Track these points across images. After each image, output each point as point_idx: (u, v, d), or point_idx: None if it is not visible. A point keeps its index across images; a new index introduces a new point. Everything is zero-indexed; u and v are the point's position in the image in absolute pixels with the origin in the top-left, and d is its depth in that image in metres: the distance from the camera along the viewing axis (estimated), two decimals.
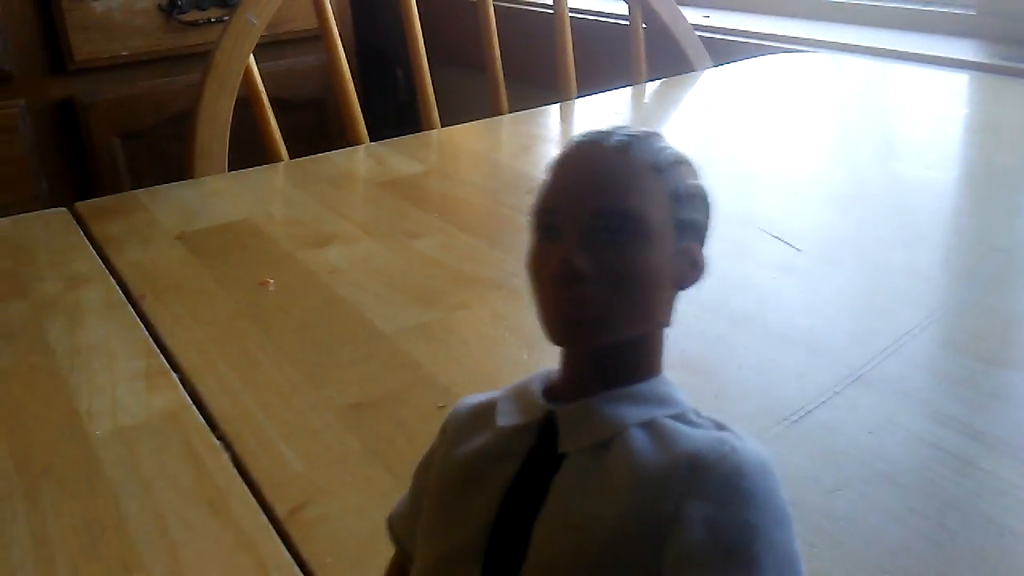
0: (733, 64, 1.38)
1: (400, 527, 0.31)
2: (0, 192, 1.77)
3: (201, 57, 1.07)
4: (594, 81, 1.34)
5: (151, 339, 0.64)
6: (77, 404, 0.57)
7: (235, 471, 0.49)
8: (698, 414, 0.27)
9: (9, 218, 0.88)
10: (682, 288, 0.27)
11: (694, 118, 1.16)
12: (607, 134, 0.27)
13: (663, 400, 0.26)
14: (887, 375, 0.56)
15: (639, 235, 0.25)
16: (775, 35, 1.48)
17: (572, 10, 1.40)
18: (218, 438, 0.52)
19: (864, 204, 0.84)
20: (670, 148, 0.27)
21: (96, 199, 0.93)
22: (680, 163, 0.27)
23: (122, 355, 0.62)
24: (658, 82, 1.31)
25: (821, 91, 1.24)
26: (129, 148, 1.91)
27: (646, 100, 1.25)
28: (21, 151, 1.82)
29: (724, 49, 1.48)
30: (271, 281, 0.72)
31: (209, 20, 1.90)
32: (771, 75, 1.32)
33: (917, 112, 1.11)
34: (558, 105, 1.25)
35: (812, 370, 0.57)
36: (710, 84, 1.31)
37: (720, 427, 0.26)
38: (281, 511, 0.46)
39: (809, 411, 0.53)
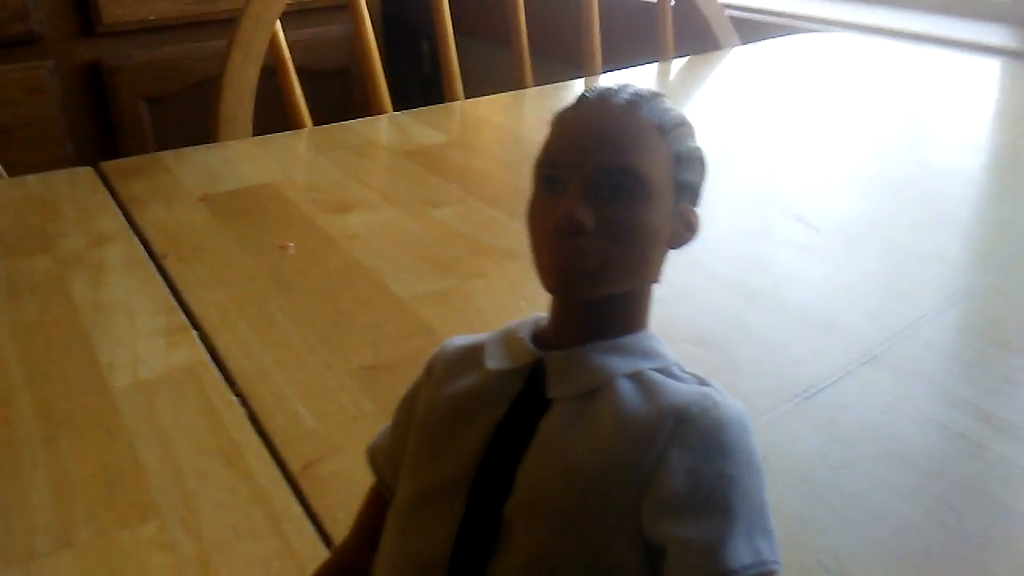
0: (760, 43, 1.36)
1: (381, 459, 0.31)
2: (26, 152, 1.79)
3: (229, 24, 1.07)
4: (620, 59, 1.33)
5: (172, 297, 0.65)
6: (98, 357, 0.58)
7: (251, 426, 0.50)
8: (681, 368, 0.28)
9: (36, 175, 0.89)
10: (675, 247, 0.28)
11: (720, 96, 1.16)
12: (615, 91, 0.27)
13: (649, 353, 0.27)
14: (901, 356, 0.56)
15: (641, 194, 0.26)
16: (805, 16, 1.47)
17: None
18: (235, 394, 0.53)
19: (887, 187, 0.84)
20: (675, 110, 0.28)
21: (121, 159, 0.94)
22: (683, 125, 0.28)
23: (144, 311, 0.63)
24: (684, 59, 1.30)
25: (848, 72, 1.23)
26: (155, 112, 1.93)
27: (672, 77, 1.24)
28: (48, 112, 1.84)
29: (753, 29, 1.46)
30: (291, 244, 0.73)
31: None
32: (798, 55, 1.30)
33: (945, 96, 1.10)
34: (583, 80, 1.24)
35: (826, 349, 0.57)
36: (737, 63, 1.30)
37: (702, 382, 0.27)
38: (294, 466, 0.47)
39: (821, 389, 0.53)
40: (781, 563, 0.25)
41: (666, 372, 0.27)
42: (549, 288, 0.27)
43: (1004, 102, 1.10)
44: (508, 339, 0.29)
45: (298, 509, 0.44)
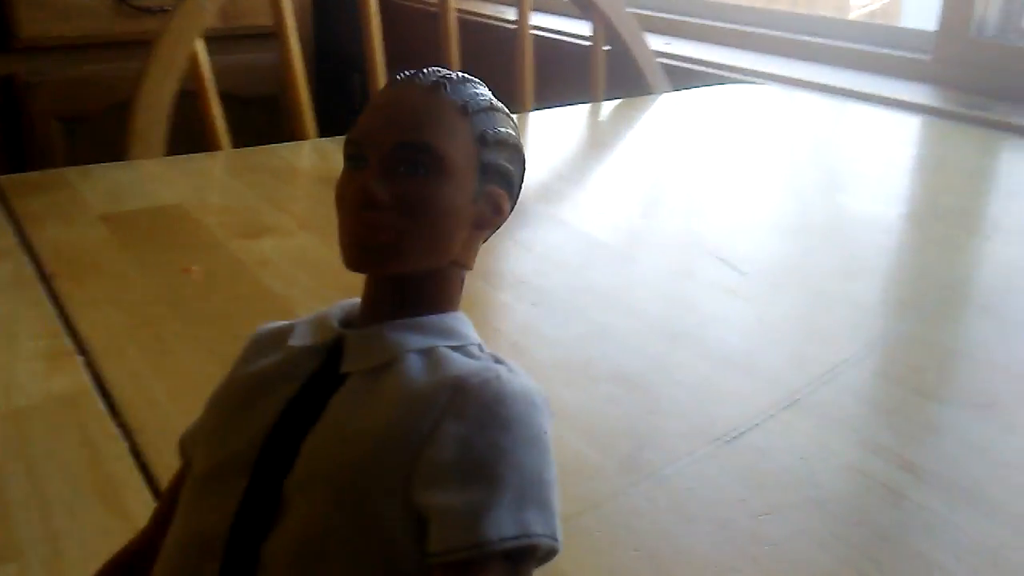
0: (690, 90, 1.38)
1: (188, 442, 0.30)
2: None
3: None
4: (552, 100, 1.33)
5: (59, 319, 0.60)
6: None
7: (133, 460, 0.46)
8: (482, 349, 0.27)
9: None
10: (482, 229, 0.28)
11: (649, 139, 1.16)
12: (423, 74, 0.27)
13: (448, 332, 0.27)
14: (822, 402, 0.55)
15: (438, 171, 0.26)
16: (733, 67, 1.49)
17: (534, 27, 1.39)
18: (118, 425, 0.49)
19: (809, 234, 0.84)
20: (484, 94, 0.28)
21: (21, 174, 0.88)
22: (492, 109, 0.28)
23: (25, 334, 0.58)
24: (616, 102, 1.30)
25: (774, 122, 1.24)
26: (69, 132, 1.85)
27: (602, 118, 1.24)
28: None
29: (683, 76, 1.48)
30: (196, 268, 0.69)
31: (163, 8, 1.85)
32: (725, 103, 1.32)
33: (866, 149, 1.12)
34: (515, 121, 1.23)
35: (748, 392, 0.55)
36: (666, 108, 1.31)
37: (498, 361, 0.26)
38: None
39: (742, 433, 0.51)
40: (560, 541, 0.24)
41: (463, 351, 0.27)
42: (348, 264, 0.26)
43: (924, 157, 1.13)
44: (317, 320, 0.29)
45: None
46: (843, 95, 1.33)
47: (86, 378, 0.53)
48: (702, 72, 1.50)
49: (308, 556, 0.24)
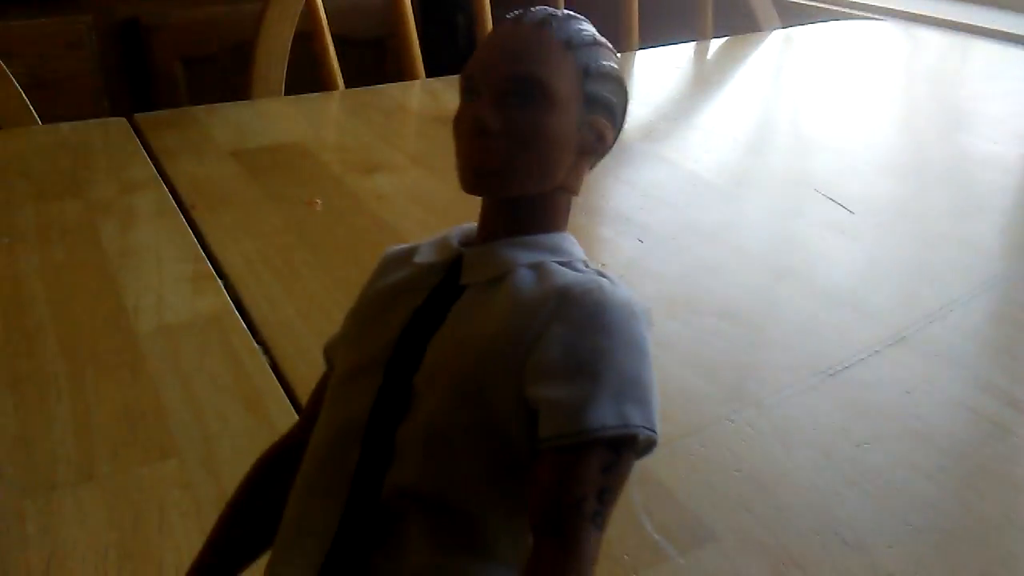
0: (801, 27, 1.34)
1: (331, 349, 0.34)
2: (61, 107, 1.80)
3: None
4: (658, 37, 1.32)
5: (199, 246, 0.65)
6: (124, 300, 0.58)
7: (272, 373, 0.50)
8: (587, 264, 0.29)
9: (69, 123, 0.90)
10: (586, 156, 0.30)
11: (758, 77, 1.14)
12: (530, 12, 0.29)
13: (555, 249, 0.29)
14: (930, 339, 0.55)
15: (544, 100, 0.28)
16: (849, 1, 1.44)
17: None
18: (258, 342, 0.53)
19: (924, 173, 0.82)
20: (588, 30, 0.30)
21: (155, 112, 0.94)
22: (596, 44, 0.30)
23: (171, 259, 0.63)
24: (723, 39, 1.28)
25: (890, 60, 1.20)
26: (191, 72, 1.93)
27: (709, 57, 1.23)
28: (85, 68, 1.85)
29: (796, 14, 1.44)
30: (318, 201, 0.73)
31: None
32: (839, 40, 1.28)
33: (987, 87, 1.08)
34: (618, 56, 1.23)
35: (854, 328, 0.56)
36: (777, 45, 1.28)
37: (601, 275, 0.29)
38: None
39: (847, 367, 0.52)
40: (659, 434, 0.26)
41: (568, 265, 0.29)
42: (464, 187, 0.29)
43: None
44: (439, 241, 0.32)
45: None
46: (964, 31, 1.28)
47: (226, 299, 0.58)
48: (815, 7, 1.45)
49: (434, 440, 0.27)
